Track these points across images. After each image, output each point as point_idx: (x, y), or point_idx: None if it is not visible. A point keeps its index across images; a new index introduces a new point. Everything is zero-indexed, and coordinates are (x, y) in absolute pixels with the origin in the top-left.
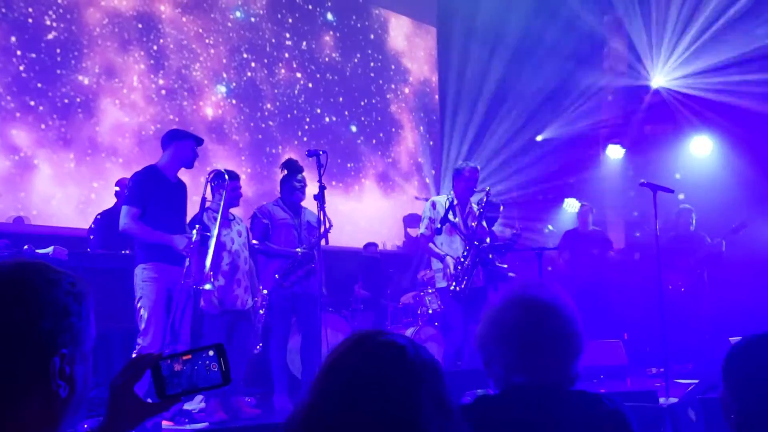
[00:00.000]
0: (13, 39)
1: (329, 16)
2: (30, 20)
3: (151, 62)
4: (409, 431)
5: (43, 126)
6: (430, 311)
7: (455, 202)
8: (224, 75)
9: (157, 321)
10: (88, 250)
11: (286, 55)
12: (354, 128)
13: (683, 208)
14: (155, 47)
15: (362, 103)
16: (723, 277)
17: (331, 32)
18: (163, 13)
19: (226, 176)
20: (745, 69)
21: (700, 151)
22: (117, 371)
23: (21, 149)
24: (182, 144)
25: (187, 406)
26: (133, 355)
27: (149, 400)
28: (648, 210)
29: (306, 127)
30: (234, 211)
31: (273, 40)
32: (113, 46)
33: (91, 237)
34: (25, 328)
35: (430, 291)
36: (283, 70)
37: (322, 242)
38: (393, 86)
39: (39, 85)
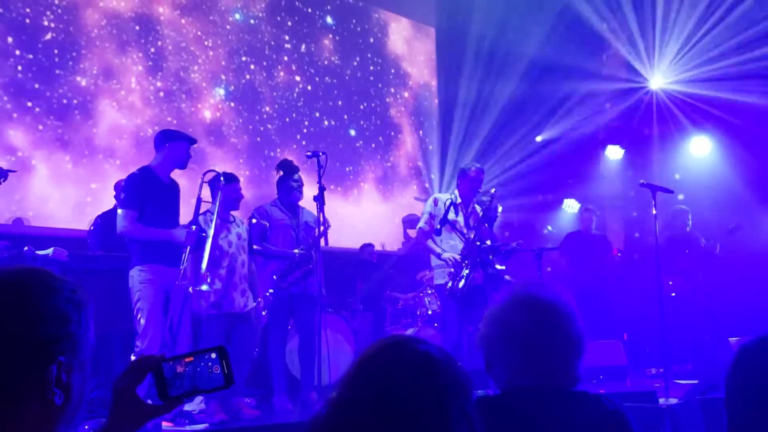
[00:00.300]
0: (10, 39)
1: (329, 20)
2: (27, 21)
3: (149, 64)
4: None
5: (40, 127)
6: (430, 312)
7: (458, 200)
8: (223, 77)
9: (155, 323)
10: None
11: (286, 58)
12: (353, 132)
13: (679, 209)
14: (153, 49)
15: (361, 107)
16: (719, 278)
17: (331, 35)
18: (161, 14)
19: (222, 178)
20: (743, 69)
21: (700, 152)
22: (117, 373)
23: (18, 150)
24: (176, 145)
25: (187, 407)
26: (132, 358)
27: (149, 402)
28: (647, 210)
29: (305, 130)
30: (233, 213)
31: (272, 43)
32: (111, 47)
33: (91, 238)
34: (23, 334)
35: (429, 292)
36: (282, 73)
37: (321, 242)
38: (392, 90)
39: (36, 86)
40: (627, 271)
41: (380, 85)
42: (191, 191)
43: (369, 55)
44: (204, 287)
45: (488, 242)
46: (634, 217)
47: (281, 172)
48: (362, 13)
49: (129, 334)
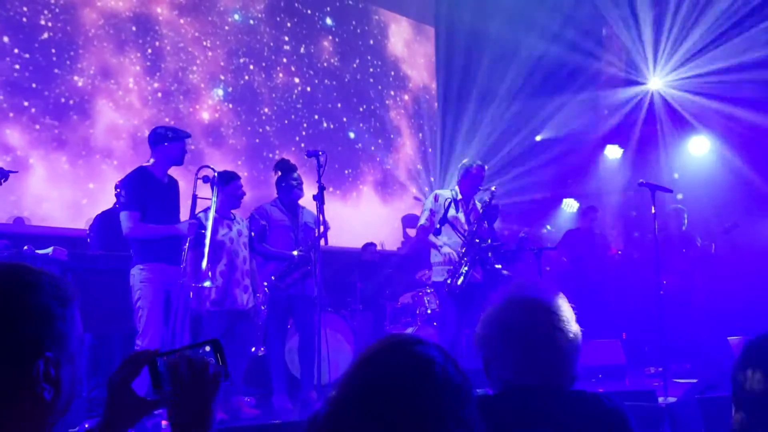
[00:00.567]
0: (7, 39)
1: (328, 21)
2: (24, 19)
3: (147, 64)
4: None
5: (37, 126)
6: (429, 311)
7: (459, 197)
8: (221, 78)
9: (156, 321)
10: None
11: (285, 59)
12: (352, 134)
13: (675, 208)
14: (151, 49)
15: (361, 109)
16: (716, 277)
17: (330, 37)
18: (160, 14)
19: (215, 174)
20: (742, 70)
21: (698, 151)
22: None
23: (14, 150)
24: (171, 145)
25: None
26: None
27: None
28: (646, 210)
29: (303, 132)
30: (233, 211)
31: (271, 44)
32: (109, 47)
33: (91, 238)
34: (4, 333)
35: (428, 291)
36: (281, 75)
37: (321, 242)
38: (392, 92)
39: (33, 85)
40: (626, 271)
41: (380, 88)
42: (190, 191)
43: (369, 57)
44: (207, 283)
45: (489, 241)
46: (633, 217)
47: (279, 172)
48: (362, 15)
49: (129, 334)
